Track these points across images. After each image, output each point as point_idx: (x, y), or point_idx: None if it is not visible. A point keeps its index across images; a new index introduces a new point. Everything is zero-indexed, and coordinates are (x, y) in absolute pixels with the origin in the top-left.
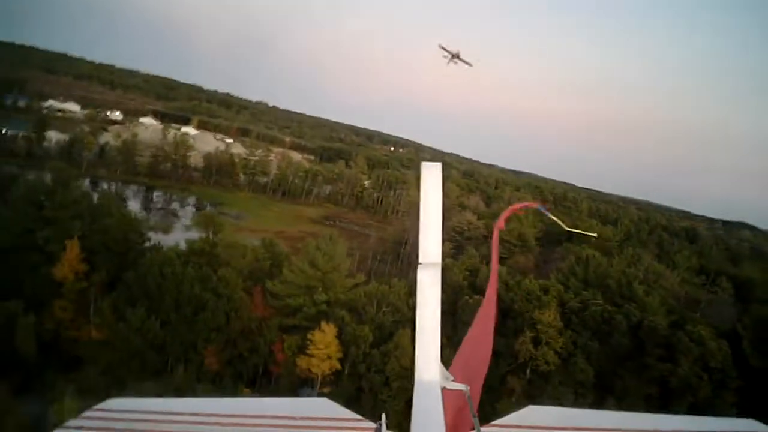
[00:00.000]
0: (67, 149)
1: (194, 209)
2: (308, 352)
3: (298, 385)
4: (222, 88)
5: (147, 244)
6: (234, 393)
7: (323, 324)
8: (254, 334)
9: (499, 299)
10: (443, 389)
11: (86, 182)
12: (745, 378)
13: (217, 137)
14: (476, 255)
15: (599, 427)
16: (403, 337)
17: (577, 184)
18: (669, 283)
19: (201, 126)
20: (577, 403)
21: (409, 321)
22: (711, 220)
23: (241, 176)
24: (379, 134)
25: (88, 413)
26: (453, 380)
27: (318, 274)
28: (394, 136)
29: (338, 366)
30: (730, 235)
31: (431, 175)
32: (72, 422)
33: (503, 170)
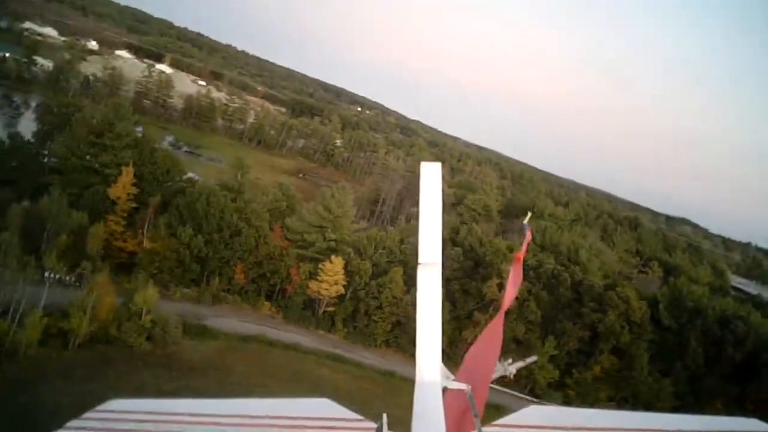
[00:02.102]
0: (54, 76)
1: (170, 148)
2: (319, 278)
3: (308, 304)
4: (191, 27)
5: (184, 177)
6: (256, 304)
7: (333, 257)
8: (276, 259)
9: (474, 252)
10: (445, 389)
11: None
12: (657, 333)
13: (191, 78)
14: (452, 219)
15: (600, 427)
16: (395, 273)
17: (534, 165)
18: (608, 259)
19: (174, 65)
20: (525, 336)
21: (400, 261)
22: (655, 213)
23: (219, 121)
24: (347, 93)
25: (88, 414)
26: (454, 379)
27: (330, 216)
28: (361, 97)
29: (342, 291)
30: (671, 228)
31: (430, 176)
32: (73, 423)
33: (467, 144)
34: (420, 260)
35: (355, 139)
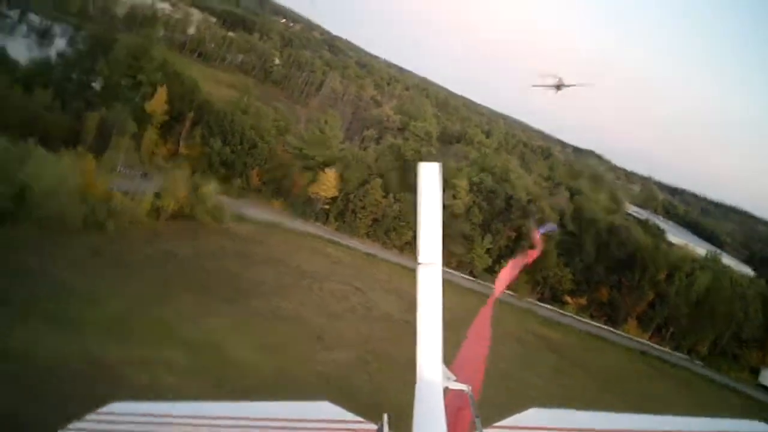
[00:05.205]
0: None
1: None
2: (317, 183)
3: (307, 203)
4: None
5: (201, 97)
6: (269, 201)
7: (327, 169)
8: (284, 167)
9: None
10: (445, 389)
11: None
12: (563, 235)
13: None
14: (399, 141)
15: (601, 428)
16: (375, 183)
17: (453, 90)
18: (525, 182)
19: None
20: (470, 233)
21: (377, 174)
22: (563, 144)
23: (161, 31)
24: (270, 2)
25: (90, 416)
26: (455, 380)
27: (323, 136)
28: (284, 7)
29: (336, 194)
30: (578, 159)
31: (429, 175)
32: (74, 425)
33: (388, 64)
34: (420, 260)
35: (294, 58)
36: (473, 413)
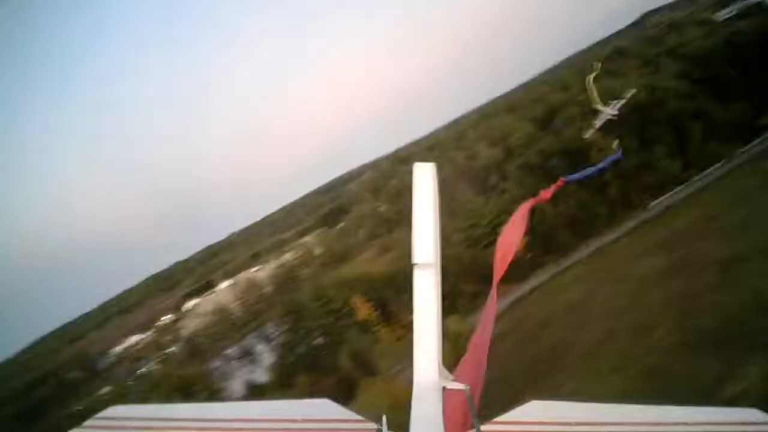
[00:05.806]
0: None
1: None
2: None
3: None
4: None
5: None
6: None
7: None
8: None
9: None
10: (444, 389)
11: None
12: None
13: None
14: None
15: (604, 421)
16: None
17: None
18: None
19: None
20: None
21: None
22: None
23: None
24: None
25: (89, 422)
26: (453, 379)
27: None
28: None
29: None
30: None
31: (423, 175)
32: (73, 431)
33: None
34: (414, 261)
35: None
36: (471, 412)
